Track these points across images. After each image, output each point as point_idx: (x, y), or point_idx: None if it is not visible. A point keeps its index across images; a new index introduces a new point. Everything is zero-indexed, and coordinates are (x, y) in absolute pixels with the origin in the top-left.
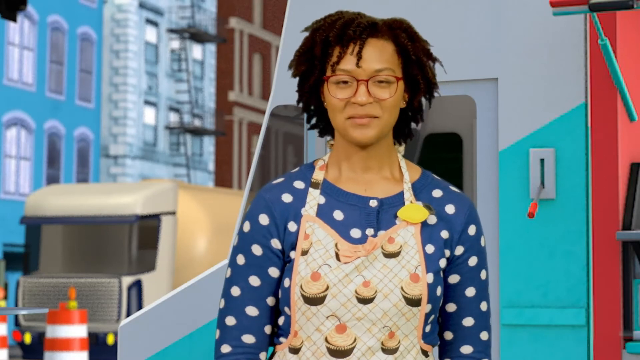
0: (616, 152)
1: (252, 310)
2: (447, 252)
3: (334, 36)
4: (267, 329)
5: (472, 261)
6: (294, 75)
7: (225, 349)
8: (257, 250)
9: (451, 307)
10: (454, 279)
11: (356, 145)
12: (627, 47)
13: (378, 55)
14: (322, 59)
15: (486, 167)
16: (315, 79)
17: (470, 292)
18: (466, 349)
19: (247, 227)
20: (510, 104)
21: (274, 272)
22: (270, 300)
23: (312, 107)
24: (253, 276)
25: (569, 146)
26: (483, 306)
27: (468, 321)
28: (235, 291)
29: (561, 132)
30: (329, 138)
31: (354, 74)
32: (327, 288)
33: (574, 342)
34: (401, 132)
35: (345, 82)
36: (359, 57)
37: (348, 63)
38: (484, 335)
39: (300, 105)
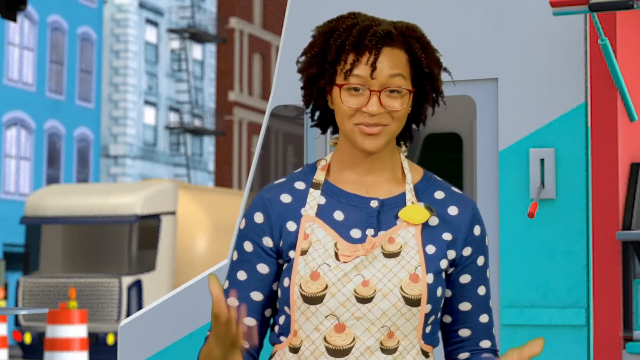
0: (616, 152)
1: (232, 302)
2: (452, 254)
3: (350, 44)
4: (247, 321)
5: (480, 260)
6: (304, 76)
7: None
8: (248, 246)
9: (466, 306)
10: (465, 279)
11: (362, 152)
12: (627, 47)
13: (392, 65)
14: (334, 64)
15: (486, 167)
16: (325, 83)
17: (481, 290)
18: (485, 343)
19: (242, 224)
20: (510, 104)
21: (262, 268)
22: (254, 295)
23: (317, 108)
24: (241, 271)
25: (569, 146)
26: (491, 303)
27: (484, 318)
28: (225, 284)
29: (561, 132)
30: (331, 137)
31: (367, 83)
32: (326, 287)
33: (574, 342)
34: (403, 135)
35: (357, 89)
36: (374, 67)
37: (362, 71)
38: (494, 330)
39: (304, 104)
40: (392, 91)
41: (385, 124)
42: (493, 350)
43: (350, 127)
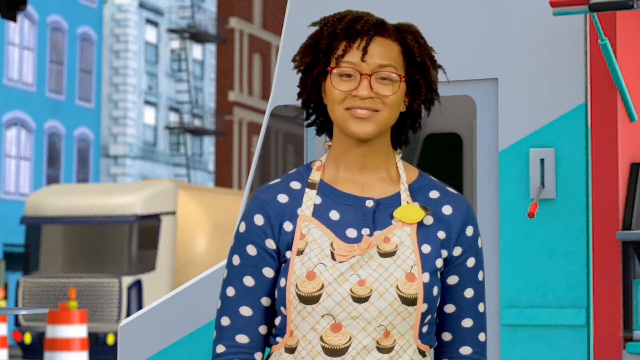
0: (616, 152)
1: (246, 311)
2: (445, 253)
3: (342, 30)
4: (262, 329)
5: (470, 262)
6: (298, 67)
7: (220, 349)
8: (251, 250)
9: (450, 308)
10: (452, 280)
11: (355, 139)
12: (627, 47)
13: (383, 53)
14: (327, 52)
15: (486, 167)
16: (319, 71)
17: (469, 293)
18: (465, 350)
19: (242, 227)
20: (510, 104)
21: (268, 272)
22: (264, 301)
23: (312, 103)
24: (247, 276)
25: (569, 146)
26: (481, 307)
27: (467, 322)
28: (230, 291)
29: (561, 132)
30: (327, 139)
31: (358, 68)
32: (323, 287)
33: (574, 342)
34: (398, 138)
35: (349, 76)
36: (365, 51)
37: (353, 56)
38: (481, 337)
39: (301, 100)
40: (383, 78)
41: (376, 109)
42: (473, 359)
43: (340, 112)
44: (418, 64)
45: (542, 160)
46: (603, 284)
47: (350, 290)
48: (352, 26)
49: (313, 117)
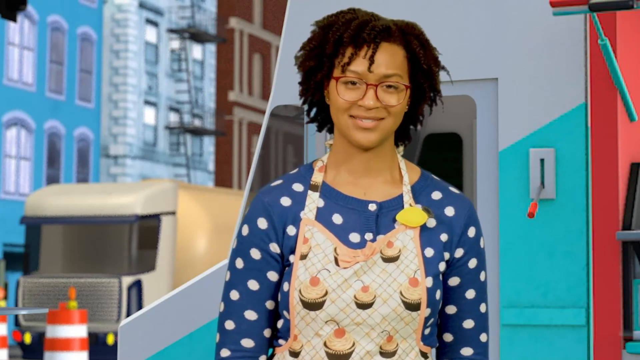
0: (616, 152)
1: (251, 315)
2: (447, 255)
3: (349, 37)
4: (267, 333)
5: (472, 263)
6: (301, 70)
7: (225, 353)
8: (255, 254)
9: (451, 309)
10: (454, 281)
11: (358, 147)
12: (627, 47)
13: (389, 61)
14: (332, 57)
15: (486, 167)
16: (323, 77)
17: (470, 294)
18: (466, 351)
19: (245, 230)
20: (510, 104)
21: (272, 276)
22: (269, 304)
23: (313, 103)
24: (252, 280)
25: (569, 146)
26: (482, 308)
27: (468, 323)
28: (234, 295)
29: (561, 132)
30: (327, 138)
31: (364, 77)
32: (326, 293)
33: (574, 342)
34: (401, 135)
35: (354, 83)
36: (372, 61)
37: (359, 65)
38: (483, 337)
39: (302, 100)
40: (389, 86)
41: (381, 118)
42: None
43: (345, 120)
44: (423, 69)
45: (542, 160)
46: (603, 284)
47: (354, 297)
48: (359, 33)
49: (313, 113)
